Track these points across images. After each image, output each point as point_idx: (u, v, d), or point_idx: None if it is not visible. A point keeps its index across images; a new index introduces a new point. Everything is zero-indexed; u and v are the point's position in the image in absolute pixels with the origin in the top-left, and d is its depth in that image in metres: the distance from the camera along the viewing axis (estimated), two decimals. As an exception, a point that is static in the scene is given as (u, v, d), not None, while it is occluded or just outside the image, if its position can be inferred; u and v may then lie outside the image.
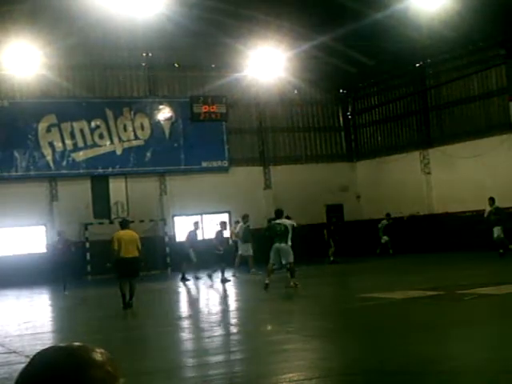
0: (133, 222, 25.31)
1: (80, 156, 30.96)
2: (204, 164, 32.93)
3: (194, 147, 32.38)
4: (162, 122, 32.47)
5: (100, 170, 31.32)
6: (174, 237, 32.15)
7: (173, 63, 32.50)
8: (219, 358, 10.48)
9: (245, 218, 26.10)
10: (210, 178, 32.68)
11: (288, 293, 18.86)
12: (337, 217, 32.89)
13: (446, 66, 31.54)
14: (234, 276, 24.93)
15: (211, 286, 23.36)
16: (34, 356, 1.56)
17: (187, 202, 31.87)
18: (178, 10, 26.82)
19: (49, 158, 30.42)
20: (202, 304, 19.66)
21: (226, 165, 33.43)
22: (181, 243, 27.50)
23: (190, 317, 16.41)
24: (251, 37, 29.59)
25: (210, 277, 24.49)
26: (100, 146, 31.38)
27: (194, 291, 23.43)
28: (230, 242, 27.23)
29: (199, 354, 10.89)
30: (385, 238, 32.09)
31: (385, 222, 32.43)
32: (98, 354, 1.55)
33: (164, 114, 32.48)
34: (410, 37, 29.64)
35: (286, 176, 34.15)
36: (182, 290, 24.11)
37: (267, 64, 30.42)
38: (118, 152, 31.63)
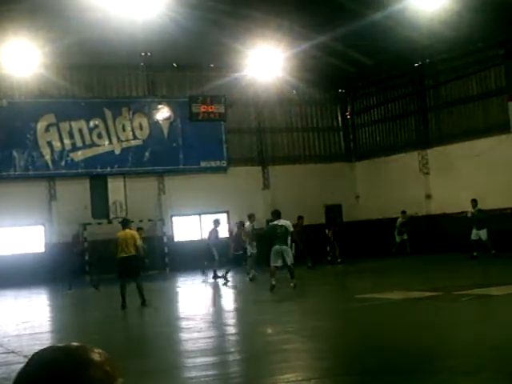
0: (132, 221, 25.26)
1: (78, 156, 30.94)
2: (202, 164, 32.90)
3: (193, 147, 32.36)
4: (160, 122, 32.44)
5: (99, 170, 31.29)
6: (172, 237, 32.15)
7: (171, 63, 32.47)
8: (219, 358, 10.48)
9: (251, 217, 25.92)
10: (208, 177, 32.65)
11: (289, 293, 18.86)
12: (335, 217, 32.81)
13: (444, 66, 31.51)
14: (251, 279, 23.46)
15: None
16: (33, 356, 1.56)
17: (186, 202, 31.85)
18: (177, 9, 26.82)
19: (47, 157, 30.40)
20: (202, 304, 19.63)
21: (225, 165, 33.40)
22: (204, 241, 27.11)
23: (189, 317, 16.39)
24: (250, 36, 29.57)
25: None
26: (99, 145, 31.36)
27: (193, 291, 23.42)
28: (245, 244, 25.33)
29: (198, 354, 10.88)
30: (401, 237, 31.16)
31: (400, 219, 31.38)
32: (97, 354, 1.54)
33: (163, 113, 32.46)
34: (408, 37, 29.66)
35: (284, 176, 34.09)
36: (180, 290, 24.06)
37: (266, 64, 30.40)
38: (117, 152, 31.61)
